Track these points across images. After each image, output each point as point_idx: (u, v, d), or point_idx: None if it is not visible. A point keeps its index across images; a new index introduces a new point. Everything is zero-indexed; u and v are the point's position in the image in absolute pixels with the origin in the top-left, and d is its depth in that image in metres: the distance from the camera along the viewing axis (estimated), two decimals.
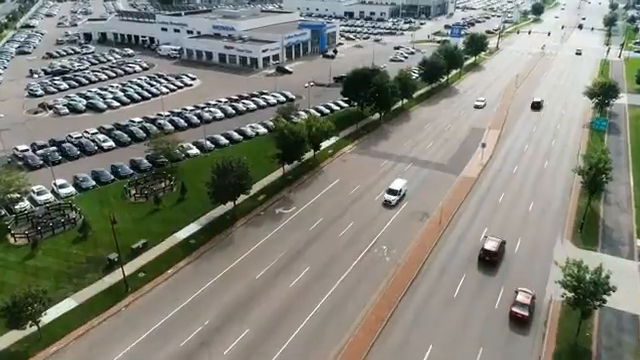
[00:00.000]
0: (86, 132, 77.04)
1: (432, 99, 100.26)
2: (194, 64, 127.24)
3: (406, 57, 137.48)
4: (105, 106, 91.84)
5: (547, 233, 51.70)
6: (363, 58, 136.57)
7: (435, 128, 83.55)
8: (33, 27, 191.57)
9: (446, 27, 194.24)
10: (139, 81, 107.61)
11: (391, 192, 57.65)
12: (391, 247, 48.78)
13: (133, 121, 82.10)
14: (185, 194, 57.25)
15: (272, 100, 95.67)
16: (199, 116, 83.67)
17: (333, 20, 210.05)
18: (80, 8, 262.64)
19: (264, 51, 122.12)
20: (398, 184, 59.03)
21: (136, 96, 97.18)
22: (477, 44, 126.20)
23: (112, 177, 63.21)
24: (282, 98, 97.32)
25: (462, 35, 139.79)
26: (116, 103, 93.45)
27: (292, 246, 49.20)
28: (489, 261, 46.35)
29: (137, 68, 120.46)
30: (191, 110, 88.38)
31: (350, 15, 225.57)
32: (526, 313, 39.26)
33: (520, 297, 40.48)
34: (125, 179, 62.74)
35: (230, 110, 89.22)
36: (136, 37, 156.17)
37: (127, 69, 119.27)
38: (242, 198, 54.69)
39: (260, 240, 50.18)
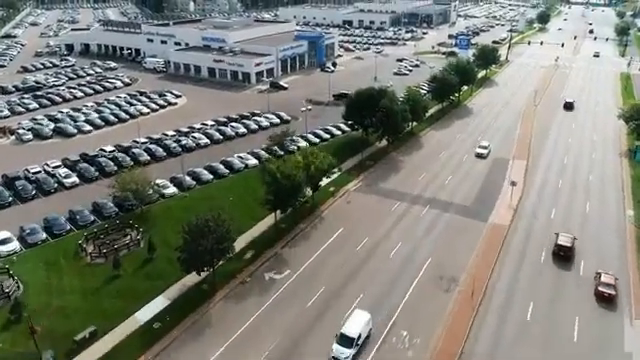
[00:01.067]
0: (46, 165, 66.02)
1: (444, 120, 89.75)
2: (181, 79, 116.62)
3: (410, 70, 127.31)
4: (75, 130, 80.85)
5: (609, 307, 41.01)
6: (364, 71, 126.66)
7: (452, 157, 72.90)
8: (14, 37, 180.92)
9: (450, 37, 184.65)
10: (118, 99, 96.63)
11: (344, 341, 35.38)
12: (413, 333, 37.72)
13: (104, 150, 71.00)
14: (154, 253, 46.28)
15: (264, 122, 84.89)
16: (180, 143, 73.03)
17: (331, 29, 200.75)
18: (68, 16, 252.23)
19: (257, 65, 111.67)
20: (355, 327, 36.18)
21: (112, 118, 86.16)
22: (489, 57, 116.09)
23: (68, 226, 52.22)
24: (276, 120, 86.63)
25: (470, 46, 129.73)
26: (88, 127, 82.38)
27: (286, 331, 38.15)
28: (563, 256, 47.52)
29: (118, 84, 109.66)
30: (172, 136, 77.49)
31: (349, 24, 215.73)
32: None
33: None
34: (85, 228, 51.82)
35: (217, 135, 78.41)
36: (121, 49, 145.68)
37: (107, 85, 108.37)
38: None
39: (245, 323, 39.00)
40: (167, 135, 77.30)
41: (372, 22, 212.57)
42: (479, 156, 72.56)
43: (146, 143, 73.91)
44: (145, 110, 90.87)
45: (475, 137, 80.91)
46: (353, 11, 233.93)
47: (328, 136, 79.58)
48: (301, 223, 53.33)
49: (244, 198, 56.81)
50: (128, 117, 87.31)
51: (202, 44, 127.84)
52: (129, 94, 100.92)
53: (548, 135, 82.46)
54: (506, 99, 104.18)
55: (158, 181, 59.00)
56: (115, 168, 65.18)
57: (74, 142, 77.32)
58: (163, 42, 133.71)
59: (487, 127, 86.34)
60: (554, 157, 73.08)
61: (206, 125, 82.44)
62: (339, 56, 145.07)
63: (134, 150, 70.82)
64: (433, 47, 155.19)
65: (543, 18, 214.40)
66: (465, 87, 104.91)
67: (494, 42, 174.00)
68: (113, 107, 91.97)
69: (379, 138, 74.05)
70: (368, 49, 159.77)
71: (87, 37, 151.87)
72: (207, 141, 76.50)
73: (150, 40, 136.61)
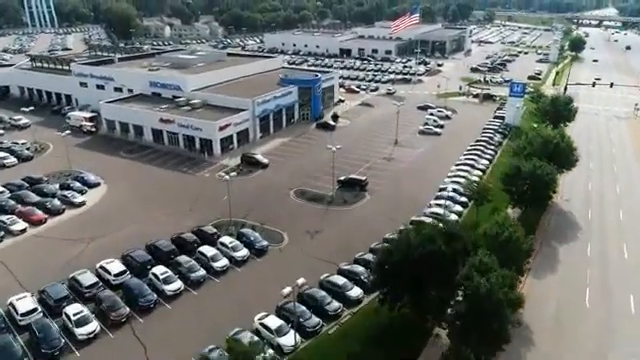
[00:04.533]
0: None
1: (544, 256, 51.99)
2: (114, 146, 79.59)
3: (442, 126, 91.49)
4: None
5: None
6: (377, 127, 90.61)
7: None
8: None
9: (474, 70, 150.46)
10: None
11: None
12: None
13: None
14: None
15: (218, 263, 46.57)
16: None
17: (326, 60, 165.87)
18: (17, 44, 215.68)
19: (223, 128, 75.05)
20: None
21: None
22: (562, 111, 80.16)
23: None
24: (239, 252, 49.01)
25: (525, 93, 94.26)
26: None
27: None
28: None
29: (8, 161, 72.16)
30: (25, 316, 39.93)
31: (347, 53, 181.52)
32: None
33: None
34: None
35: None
36: (49, 95, 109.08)
37: None
38: None
39: None
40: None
41: (375, 51, 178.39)
42: None
43: None
44: (16, 226, 53.01)
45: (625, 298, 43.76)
46: (352, 37, 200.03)
47: (332, 310, 40.94)
48: None
49: None
50: None
51: (150, 91, 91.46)
52: (13, 187, 62.87)
53: None
54: (619, 194, 67.21)
55: None
56: None
57: None
58: (99, 87, 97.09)
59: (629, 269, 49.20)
60: None
61: (104, 274, 44.66)
62: (340, 101, 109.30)
63: None
64: (461, 88, 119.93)
65: (577, 46, 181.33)
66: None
67: (531, 77, 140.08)
68: None
69: (431, 325, 36.60)
70: (376, 89, 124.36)
71: (7, 77, 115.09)
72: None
73: (83, 84, 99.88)
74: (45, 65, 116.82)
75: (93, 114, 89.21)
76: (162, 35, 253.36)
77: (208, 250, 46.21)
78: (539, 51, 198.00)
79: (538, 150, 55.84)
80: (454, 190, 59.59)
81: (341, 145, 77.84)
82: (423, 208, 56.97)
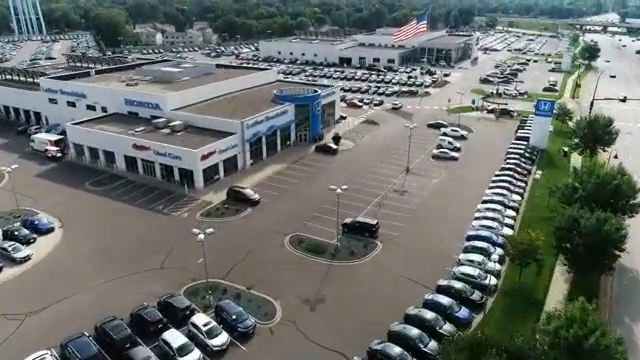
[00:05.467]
0: None
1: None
2: (80, 175, 68.39)
3: (458, 149, 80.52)
4: None
5: None
6: (384, 151, 79.49)
7: None
8: None
9: (484, 81, 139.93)
10: None
11: None
12: None
13: None
14: None
15: None
16: None
17: (325, 70, 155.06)
18: None
19: (205, 157, 63.81)
20: None
21: None
22: (599, 136, 69.13)
23: None
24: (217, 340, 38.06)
25: (553, 112, 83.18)
26: None
27: None
28: None
29: None
30: None
31: (347, 62, 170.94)
32: None
33: None
34: None
35: None
36: (16, 112, 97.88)
37: None
38: None
39: None
40: None
41: (377, 60, 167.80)
42: None
43: None
44: None
45: None
46: (352, 45, 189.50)
47: None
48: None
49: None
50: None
51: (126, 110, 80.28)
52: None
53: None
54: None
55: None
56: None
57: None
58: (70, 104, 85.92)
59: None
60: None
61: None
62: (342, 118, 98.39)
63: None
64: (474, 102, 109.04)
65: (590, 54, 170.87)
66: None
67: (546, 89, 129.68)
68: None
69: None
70: (380, 103, 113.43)
71: None
72: None
73: (53, 101, 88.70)
74: (16, 78, 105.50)
75: (60, 137, 78.02)
76: (153, 42, 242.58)
77: (174, 338, 34.77)
78: (549, 59, 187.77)
79: (592, 193, 44.68)
80: (485, 239, 48.56)
81: (345, 174, 67.42)
82: (450, 265, 45.82)
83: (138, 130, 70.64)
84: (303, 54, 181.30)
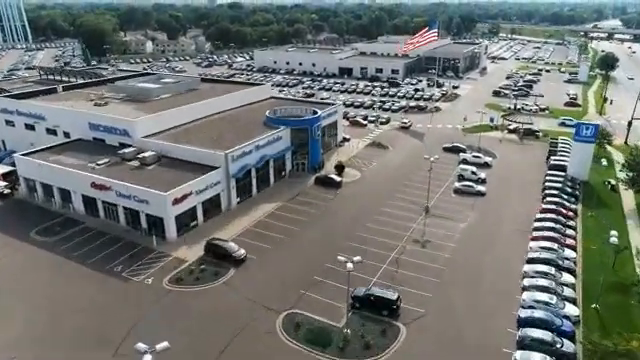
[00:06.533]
0: None
1: None
2: (30, 219, 55.65)
3: (483, 180, 68.28)
4: None
5: None
6: (398, 184, 66.60)
7: None
8: None
9: (497, 94, 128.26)
10: None
11: None
12: None
13: None
14: None
15: None
16: None
17: (324, 81, 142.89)
18: None
19: (178, 201, 51.34)
20: None
21: None
22: None
23: None
24: None
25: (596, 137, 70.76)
26: None
27: None
28: None
29: None
30: None
31: (348, 73, 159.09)
32: None
33: None
34: None
35: None
36: None
37: None
38: None
39: None
40: None
41: (379, 70, 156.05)
42: None
43: None
44: None
45: None
46: (352, 55, 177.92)
47: None
48: None
49: None
50: None
51: (91, 136, 67.88)
52: None
53: None
54: None
55: None
56: None
57: None
58: (29, 127, 73.45)
59: None
60: None
61: None
62: (345, 140, 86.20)
63: None
64: (492, 120, 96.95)
65: (608, 63, 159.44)
66: None
67: (568, 104, 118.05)
68: None
69: None
70: (387, 121, 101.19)
71: None
72: None
73: (10, 123, 76.25)
74: None
75: (11, 168, 65.53)
76: (143, 51, 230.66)
77: None
78: (562, 69, 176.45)
79: None
80: (544, 323, 36.26)
81: (351, 216, 55.23)
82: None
83: (100, 163, 58.17)
84: (300, 64, 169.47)
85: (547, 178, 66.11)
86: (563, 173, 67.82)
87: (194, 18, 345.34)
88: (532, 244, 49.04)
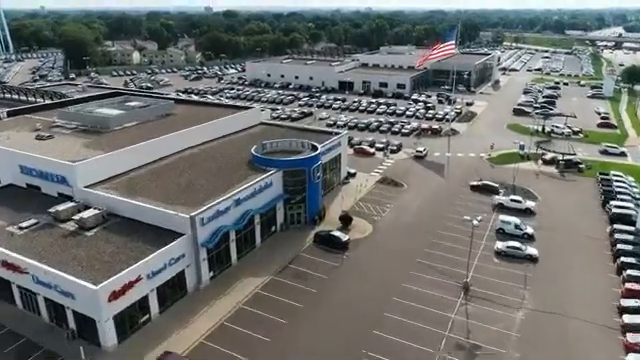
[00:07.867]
0: None
1: None
2: None
3: (530, 236, 53.06)
4: None
5: None
6: (421, 242, 50.39)
7: None
8: None
9: (518, 113, 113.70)
10: None
11: None
12: None
13: None
14: None
15: None
16: None
17: (323, 97, 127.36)
18: None
19: (117, 295, 35.54)
20: None
21: None
22: None
23: None
24: None
25: None
26: None
27: None
28: None
29: None
30: None
31: (349, 87, 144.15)
32: None
33: None
34: None
35: None
36: None
37: None
38: None
39: None
40: None
41: (384, 84, 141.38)
42: None
43: None
44: None
45: None
46: (353, 67, 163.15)
47: None
48: None
49: None
50: None
51: (24, 182, 52.46)
52: None
53: None
54: None
55: None
56: None
57: None
58: None
59: None
60: None
61: None
62: (350, 176, 70.95)
63: None
64: (523, 148, 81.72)
65: (636, 76, 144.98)
66: None
67: (601, 125, 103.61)
68: None
69: None
70: (398, 149, 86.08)
71: None
72: None
73: None
74: None
75: None
76: (129, 62, 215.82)
77: None
78: (582, 82, 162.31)
79: None
80: None
81: (362, 299, 39.93)
82: None
83: (24, 226, 42.75)
84: (296, 77, 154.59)
85: (616, 237, 50.88)
86: (632, 228, 52.69)
87: (186, 27, 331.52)
88: (631, 358, 33.76)
